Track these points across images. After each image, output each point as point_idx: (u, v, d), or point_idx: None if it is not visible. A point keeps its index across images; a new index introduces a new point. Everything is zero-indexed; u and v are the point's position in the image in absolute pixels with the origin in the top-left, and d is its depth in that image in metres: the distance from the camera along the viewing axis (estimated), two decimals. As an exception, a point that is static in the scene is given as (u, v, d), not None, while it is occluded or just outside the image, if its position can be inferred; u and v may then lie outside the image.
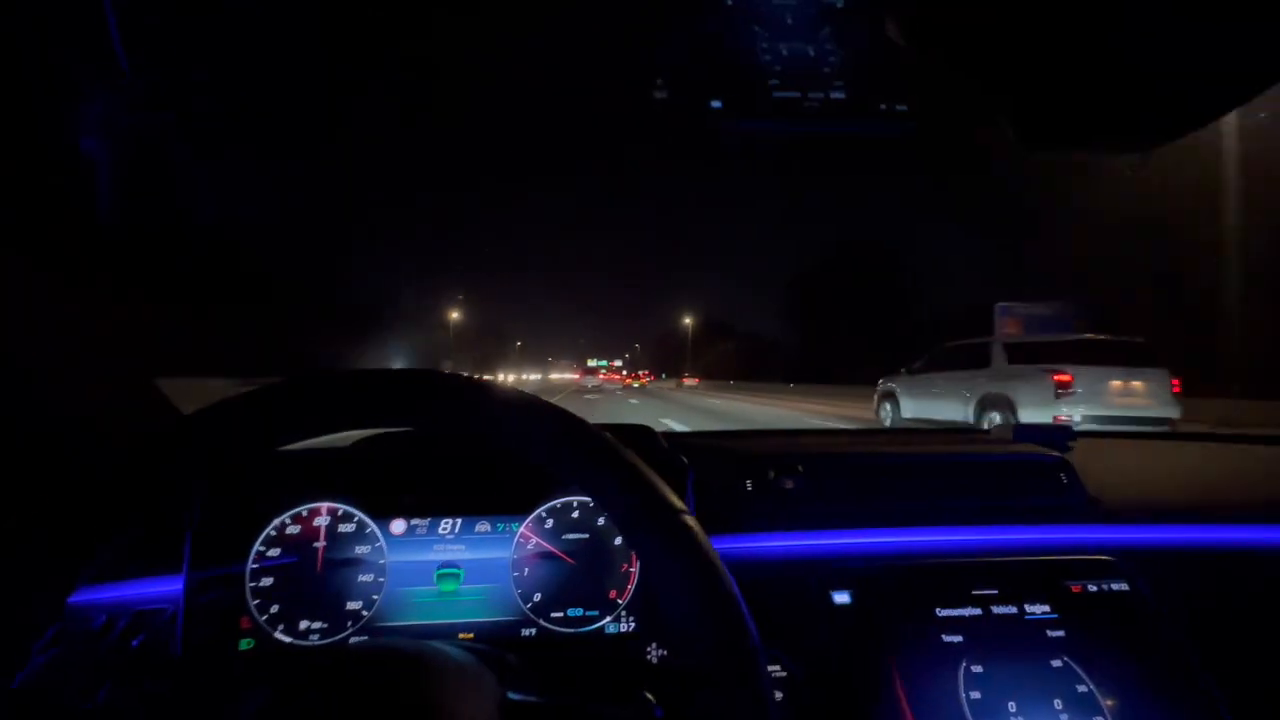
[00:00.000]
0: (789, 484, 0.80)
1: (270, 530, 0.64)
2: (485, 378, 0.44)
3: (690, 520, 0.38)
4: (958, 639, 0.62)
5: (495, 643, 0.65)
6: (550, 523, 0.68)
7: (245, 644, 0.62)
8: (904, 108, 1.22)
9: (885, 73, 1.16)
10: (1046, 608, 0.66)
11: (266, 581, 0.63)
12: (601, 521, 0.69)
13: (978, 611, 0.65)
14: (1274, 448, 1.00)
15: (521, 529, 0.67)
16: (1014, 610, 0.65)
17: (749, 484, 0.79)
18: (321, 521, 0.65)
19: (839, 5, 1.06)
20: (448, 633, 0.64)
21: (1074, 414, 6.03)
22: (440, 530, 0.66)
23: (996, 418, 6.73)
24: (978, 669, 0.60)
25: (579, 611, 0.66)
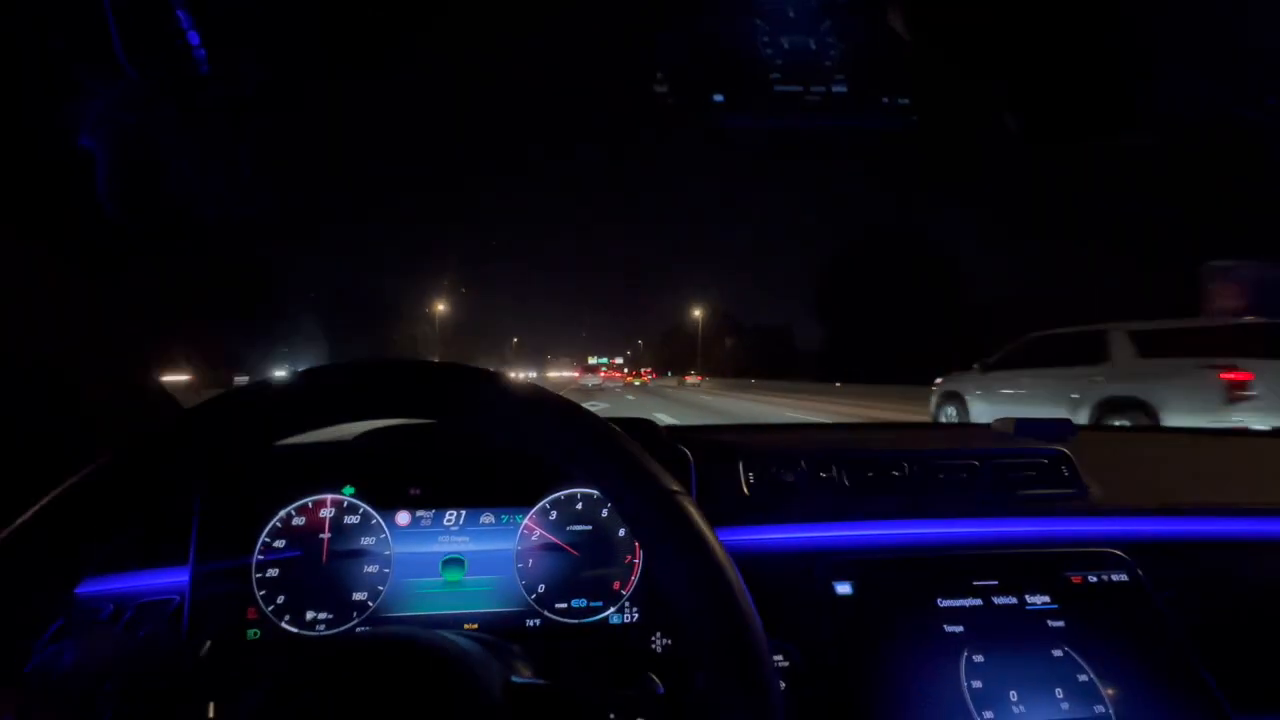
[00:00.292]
0: (790, 477, 0.80)
1: (275, 522, 0.65)
2: (490, 369, 0.44)
3: (694, 509, 0.38)
4: (959, 629, 0.63)
5: (500, 633, 0.66)
6: (554, 514, 0.68)
7: (252, 634, 0.63)
8: (906, 101, 1.22)
9: (887, 66, 1.16)
10: (1047, 598, 0.66)
11: (272, 573, 0.64)
12: (605, 513, 0.69)
13: (978, 602, 0.65)
14: (1274, 440, 1.00)
15: (526, 521, 0.68)
16: (1014, 601, 0.66)
17: (750, 477, 0.80)
18: (326, 513, 0.66)
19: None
20: (453, 623, 0.65)
21: (1254, 423, 4.43)
22: (445, 522, 0.67)
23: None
24: (979, 658, 0.61)
25: (583, 602, 0.67)
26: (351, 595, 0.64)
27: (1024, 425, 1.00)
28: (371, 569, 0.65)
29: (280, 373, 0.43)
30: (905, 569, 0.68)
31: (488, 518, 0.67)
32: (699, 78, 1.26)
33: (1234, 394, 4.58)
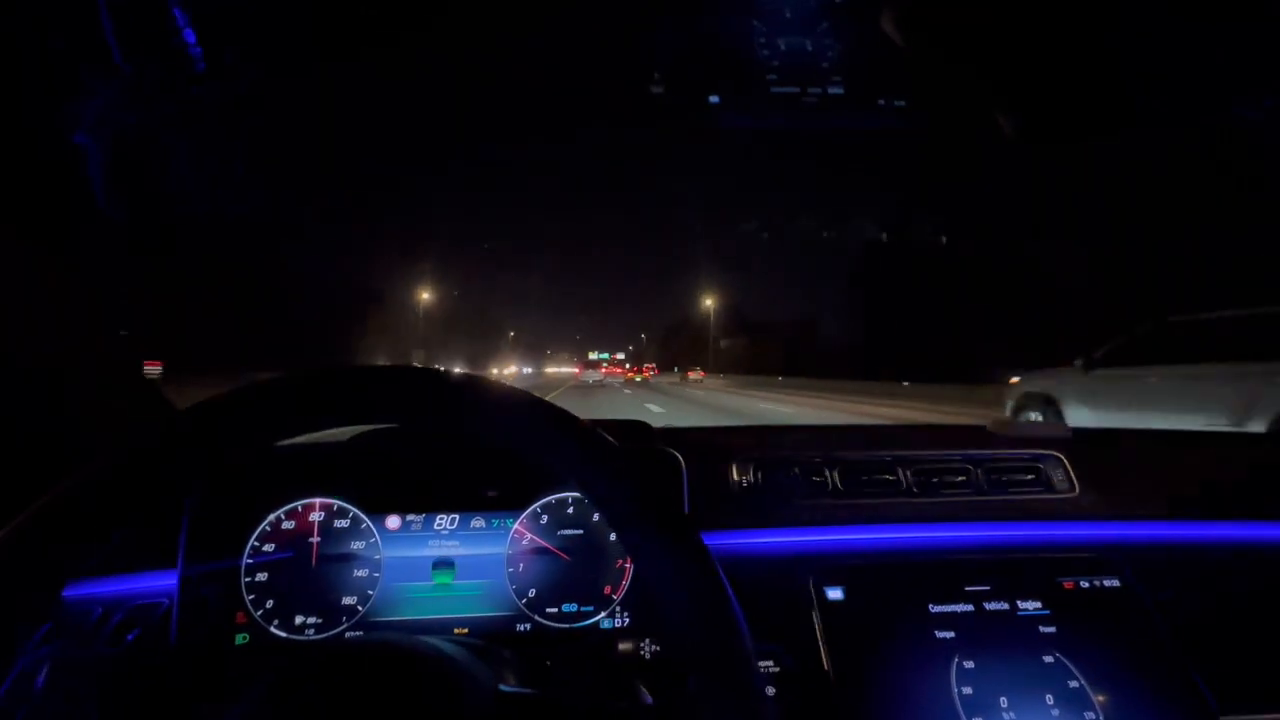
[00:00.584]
0: (782, 480, 0.80)
1: (265, 526, 0.65)
2: (477, 374, 0.44)
3: (683, 518, 0.38)
4: (950, 635, 0.63)
5: (490, 638, 0.66)
6: (545, 519, 0.68)
7: (241, 639, 0.62)
8: (903, 102, 1.22)
9: (884, 68, 1.15)
10: (1039, 604, 0.66)
11: (262, 577, 0.64)
12: (596, 518, 0.69)
13: (970, 607, 0.65)
14: (1267, 446, 1.00)
15: (516, 525, 0.67)
16: (1006, 606, 0.65)
17: (743, 480, 0.79)
18: (316, 517, 0.65)
19: (836, 1, 1.05)
20: (443, 628, 0.64)
21: None
22: (435, 526, 0.67)
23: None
24: (969, 664, 0.61)
25: (573, 607, 0.67)
26: (341, 600, 0.64)
27: (1019, 428, 1.00)
28: (361, 573, 0.65)
29: (270, 374, 0.43)
30: (897, 574, 0.68)
31: (478, 522, 0.67)
32: (695, 79, 1.25)
33: None
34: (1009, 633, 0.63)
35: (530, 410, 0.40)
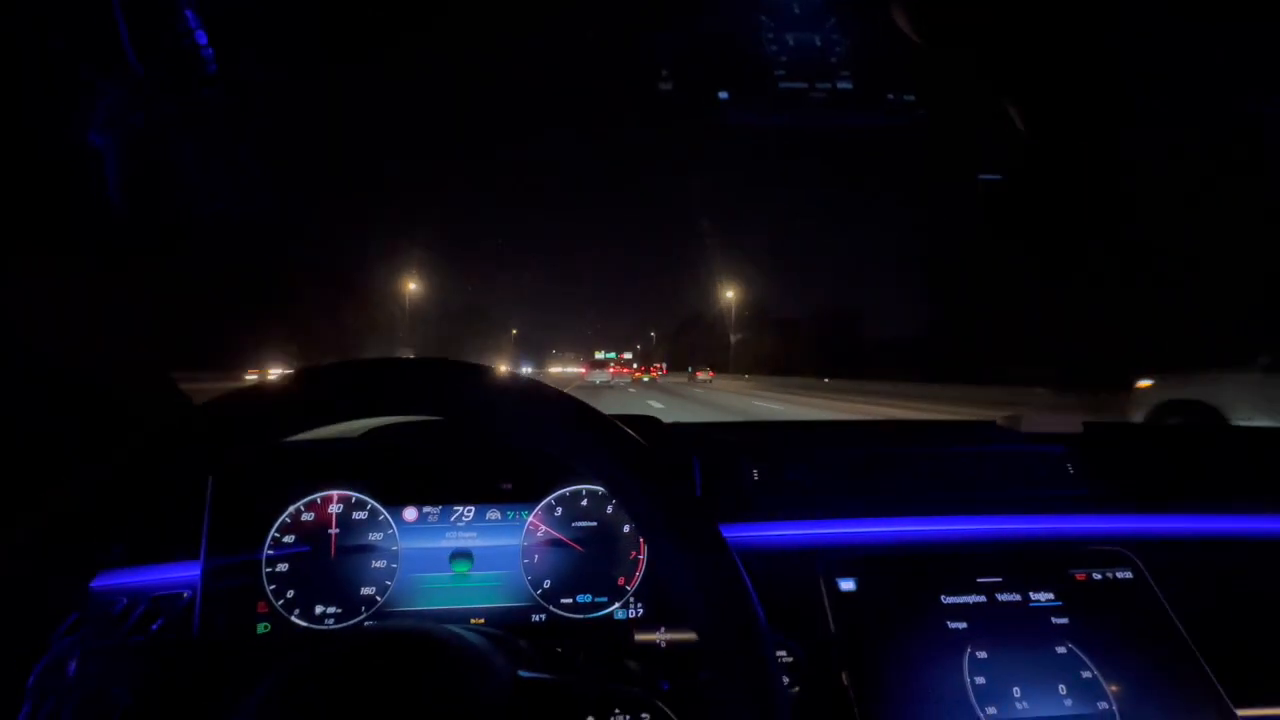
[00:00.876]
0: (795, 474, 0.80)
1: (285, 518, 0.66)
2: (511, 370, 0.44)
3: (701, 508, 0.38)
4: (962, 625, 0.63)
5: (506, 628, 0.66)
6: (559, 511, 0.69)
7: (262, 628, 0.64)
8: (911, 97, 1.22)
9: (892, 63, 1.15)
10: (1051, 595, 0.66)
11: (282, 568, 0.65)
12: (610, 510, 0.70)
13: (982, 599, 0.65)
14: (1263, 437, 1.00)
15: (531, 517, 0.68)
16: (1018, 597, 0.66)
17: (755, 474, 0.80)
18: (334, 509, 0.66)
19: (845, -5, 1.05)
20: (460, 618, 0.65)
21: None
22: (452, 518, 0.67)
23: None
24: (982, 655, 0.61)
25: (588, 598, 0.67)
26: (360, 590, 0.65)
27: (1029, 422, 0.99)
28: (379, 564, 0.66)
29: (284, 369, 0.43)
30: (909, 565, 0.68)
31: (494, 514, 0.68)
32: (704, 75, 1.26)
33: None
34: (1021, 623, 0.64)
35: (551, 403, 0.41)
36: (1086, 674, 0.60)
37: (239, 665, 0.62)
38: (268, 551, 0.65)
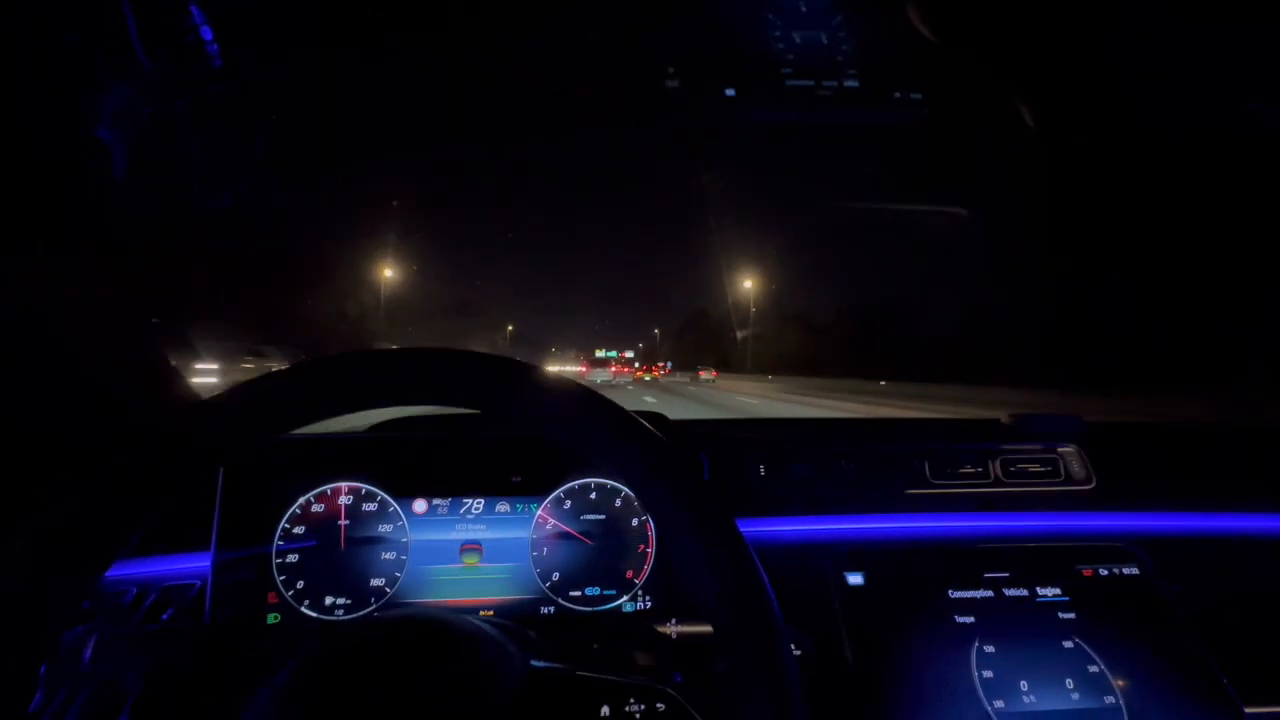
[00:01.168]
0: (801, 471, 0.81)
1: (295, 509, 0.66)
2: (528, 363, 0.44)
3: (718, 501, 0.38)
4: (970, 620, 0.63)
5: (516, 620, 0.67)
6: (568, 504, 0.69)
7: (272, 618, 0.64)
8: (918, 95, 1.22)
9: (899, 61, 1.15)
10: (1058, 590, 0.66)
11: (292, 559, 0.65)
12: (618, 503, 0.70)
13: (989, 594, 0.65)
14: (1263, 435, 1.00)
15: (540, 510, 0.68)
16: (1025, 593, 0.66)
17: (761, 469, 0.80)
18: (344, 501, 0.67)
19: (853, -8, 1.05)
20: (469, 610, 0.66)
21: None
22: (461, 510, 0.68)
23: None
24: (990, 649, 0.61)
25: (596, 590, 0.68)
26: (370, 581, 0.65)
27: (1034, 420, 1.00)
28: (389, 555, 0.66)
29: (287, 362, 0.43)
30: (916, 560, 0.68)
31: (503, 506, 0.68)
32: (711, 73, 1.26)
33: None
34: (1029, 618, 0.64)
35: (566, 395, 0.41)
36: (1094, 669, 0.60)
37: (249, 655, 0.62)
38: (278, 543, 0.65)
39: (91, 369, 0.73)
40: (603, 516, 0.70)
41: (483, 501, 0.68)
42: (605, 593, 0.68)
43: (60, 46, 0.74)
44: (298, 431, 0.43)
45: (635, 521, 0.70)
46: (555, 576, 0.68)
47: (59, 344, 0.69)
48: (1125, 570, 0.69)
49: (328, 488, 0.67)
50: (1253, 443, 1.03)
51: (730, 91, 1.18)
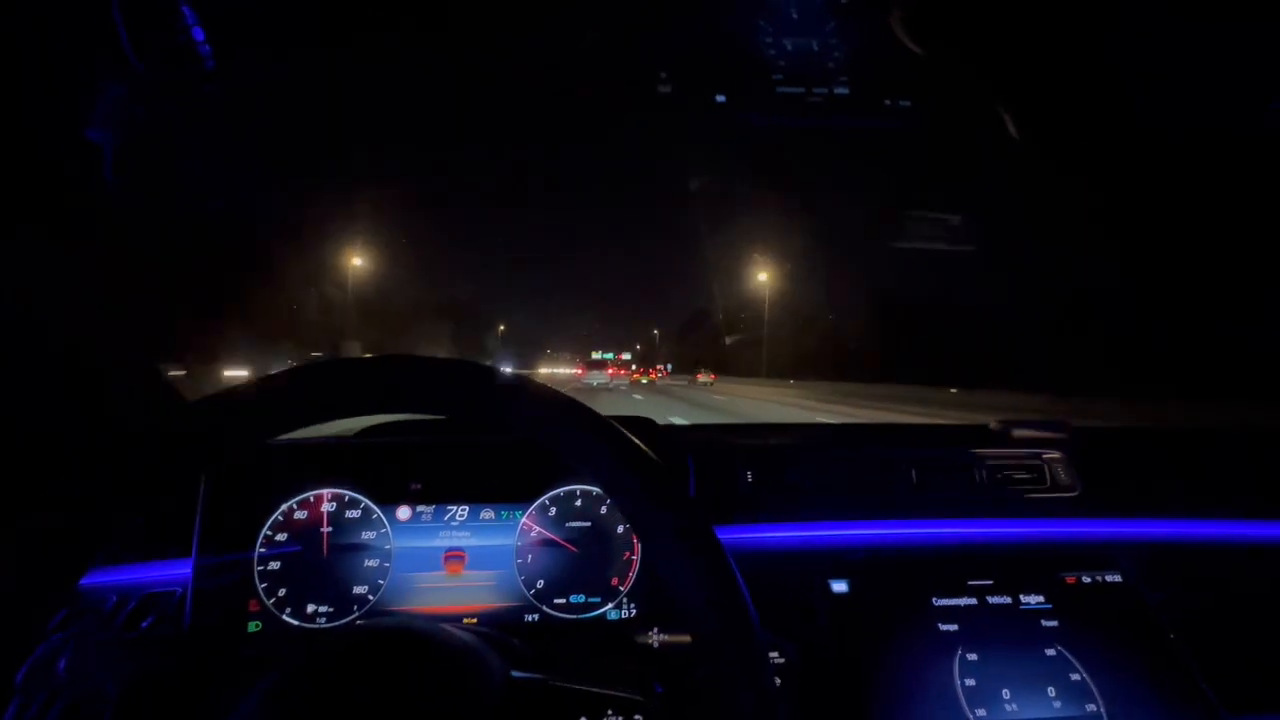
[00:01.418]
0: (788, 477, 0.81)
1: (277, 515, 0.65)
2: (510, 370, 0.44)
3: (698, 509, 0.38)
4: (953, 628, 0.63)
5: (499, 628, 0.66)
6: (553, 511, 0.69)
7: (254, 626, 0.63)
8: (908, 103, 1.22)
9: (890, 68, 1.16)
10: (1041, 598, 0.67)
11: (274, 566, 0.65)
12: (604, 510, 0.70)
13: (973, 601, 0.66)
14: (1269, 444, 1.00)
15: (525, 517, 0.68)
16: (1009, 600, 0.66)
17: (749, 475, 0.80)
18: (327, 507, 0.66)
19: (842, 1, 1.06)
20: (452, 618, 0.65)
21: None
22: (445, 517, 0.67)
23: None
24: (973, 657, 0.61)
25: (581, 598, 0.68)
26: (353, 589, 0.65)
27: (1020, 426, 1.00)
28: (372, 563, 0.66)
29: (276, 368, 0.43)
30: (901, 568, 0.68)
31: (488, 513, 0.68)
32: (702, 78, 1.26)
33: None
34: (1011, 626, 0.64)
35: (546, 402, 0.41)
36: (1075, 676, 0.61)
37: (230, 663, 0.61)
38: (260, 550, 0.65)
39: (82, 369, 0.72)
40: (588, 524, 0.69)
41: (467, 508, 0.68)
42: (590, 600, 0.68)
43: (52, 48, 0.74)
44: (283, 437, 0.43)
45: (621, 528, 0.70)
46: (540, 584, 0.67)
47: (49, 343, 0.69)
48: (1108, 577, 0.69)
49: (311, 494, 0.66)
50: (1241, 449, 1.04)
51: (721, 98, 1.18)
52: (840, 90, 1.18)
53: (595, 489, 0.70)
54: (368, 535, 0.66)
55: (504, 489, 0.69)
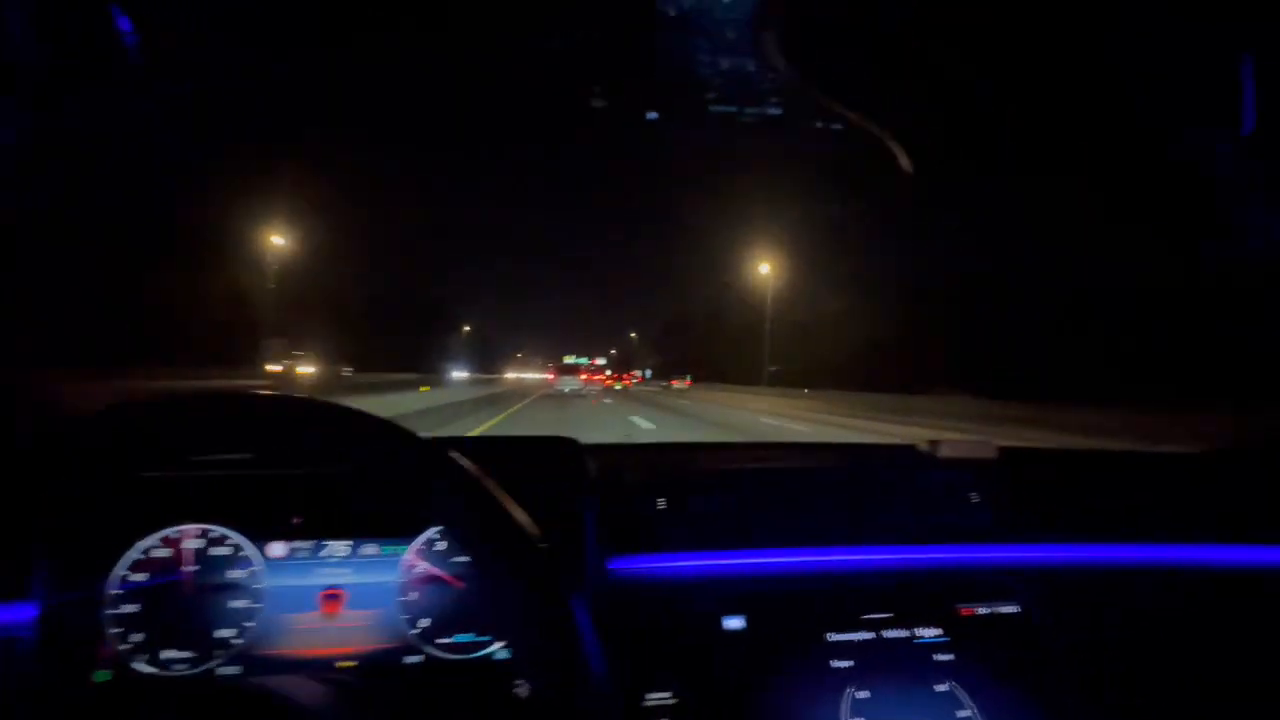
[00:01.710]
0: (701, 503, 0.79)
1: (135, 554, 0.61)
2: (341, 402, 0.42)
3: (540, 555, 0.38)
4: (847, 664, 0.62)
5: (379, 670, 0.63)
6: (441, 545, 0.66)
7: (101, 676, 0.58)
8: (840, 126, 1.23)
9: (821, 92, 1.16)
10: (938, 631, 0.66)
11: (130, 608, 0.60)
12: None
13: (870, 635, 0.65)
14: (1185, 464, 1.03)
15: (408, 552, 0.65)
16: (905, 634, 0.65)
17: (661, 502, 0.78)
18: (193, 544, 0.62)
19: (770, 28, 1.06)
20: (326, 662, 0.61)
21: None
22: (323, 553, 0.63)
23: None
24: (864, 695, 0.60)
25: (468, 637, 0.64)
26: (215, 632, 0.60)
27: (945, 448, 1.00)
28: (239, 603, 0.61)
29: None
30: (800, 601, 0.67)
31: (370, 548, 0.64)
32: (634, 95, 1.26)
33: None
34: (905, 661, 0.63)
35: (379, 436, 0.39)
36: (964, 713, 0.60)
37: (73, 717, 0.56)
38: (113, 590, 0.60)
39: None
40: None
41: (348, 544, 0.64)
42: (478, 639, 0.64)
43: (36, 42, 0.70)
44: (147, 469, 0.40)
45: None
46: (424, 623, 0.64)
47: None
48: (1004, 609, 0.69)
49: (174, 530, 0.62)
50: (1152, 471, 1.06)
51: (652, 115, 1.18)
52: (772, 110, 1.18)
53: None
54: (235, 574, 0.62)
55: (389, 523, 0.65)
